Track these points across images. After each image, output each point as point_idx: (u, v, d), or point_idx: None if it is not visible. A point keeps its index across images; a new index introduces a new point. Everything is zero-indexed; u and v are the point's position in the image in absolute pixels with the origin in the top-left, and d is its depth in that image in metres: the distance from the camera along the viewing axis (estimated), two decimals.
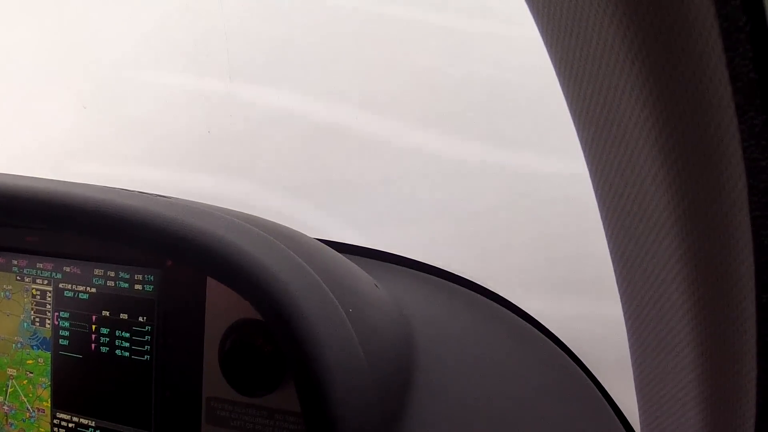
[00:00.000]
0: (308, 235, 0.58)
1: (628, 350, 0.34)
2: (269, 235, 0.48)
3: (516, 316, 0.65)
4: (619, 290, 0.33)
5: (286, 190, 0.90)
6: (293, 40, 0.89)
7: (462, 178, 0.85)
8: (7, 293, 0.61)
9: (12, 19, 0.96)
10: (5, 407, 0.61)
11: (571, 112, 0.30)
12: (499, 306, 0.66)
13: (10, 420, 0.61)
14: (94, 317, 0.57)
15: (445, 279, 0.70)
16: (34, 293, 0.59)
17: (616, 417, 0.59)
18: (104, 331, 0.56)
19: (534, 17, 0.29)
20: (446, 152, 0.85)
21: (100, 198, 0.46)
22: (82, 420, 0.58)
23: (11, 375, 0.61)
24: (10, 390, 0.61)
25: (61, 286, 0.58)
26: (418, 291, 0.68)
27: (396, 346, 0.55)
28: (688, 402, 0.29)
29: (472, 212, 0.84)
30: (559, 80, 0.30)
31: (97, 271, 0.57)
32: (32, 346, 0.59)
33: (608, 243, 0.32)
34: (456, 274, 0.70)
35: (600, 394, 0.60)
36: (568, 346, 0.64)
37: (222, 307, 0.52)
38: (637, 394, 0.34)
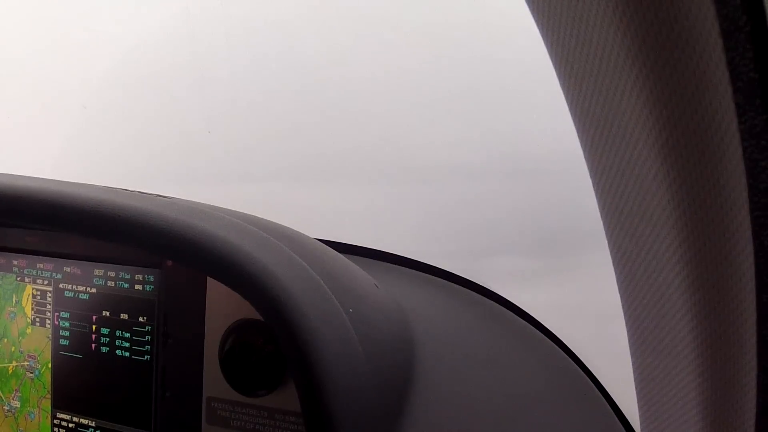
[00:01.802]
0: (308, 235, 0.58)
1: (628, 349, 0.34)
2: (269, 235, 0.48)
3: (516, 316, 0.65)
4: (620, 290, 0.33)
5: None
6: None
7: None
8: (8, 293, 0.61)
9: (11, 17, 0.96)
10: (5, 407, 0.61)
11: (571, 112, 0.30)
12: (499, 306, 0.66)
13: (10, 420, 0.61)
14: (94, 317, 0.57)
15: (445, 279, 0.70)
16: (34, 293, 0.59)
17: (616, 417, 0.59)
18: (104, 331, 0.56)
19: (534, 17, 0.29)
20: None
21: (100, 198, 0.46)
22: (82, 420, 0.58)
23: (11, 375, 0.61)
24: (10, 390, 0.61)
25: (61, 286, 0.58)
26: (418, 291, 0.68)
27: (396, 346, 0.55)
28: (688, 402, 0.29)
29: None
30: (560, 80, 0.30)
31: (97, 271, 0.57)
32: (32, 347, 0.59)
33: (608, 243, 0.32)
34: (456, 274, 0.70)
35: (600, 394, 0.60)
36: (568, 346, 0.64)
37: (222, 307, 0.52)
38: (637, 394, 0.34)
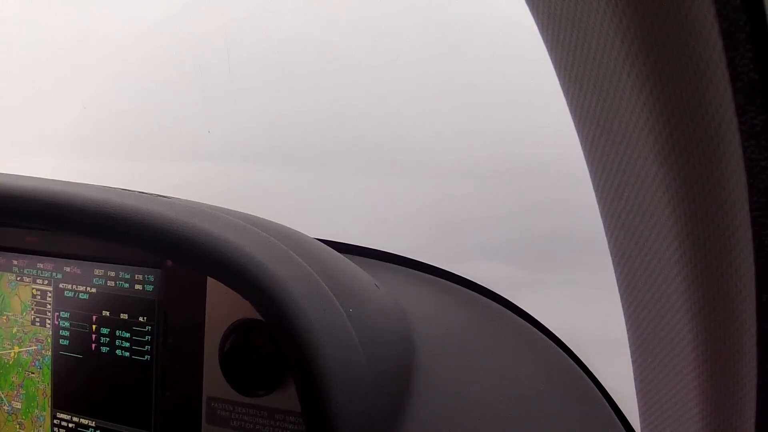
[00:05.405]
0: (309, 235, 0.58)
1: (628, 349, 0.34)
2: (269, 235, 0.48)
3: (516, 316, 0.65)
4: (620, 290, 0.33)
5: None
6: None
7: None
8: (7, 293, 0.61)
9: (12, 17, 0.96)
10: (6, 407, 0.61)
11: (571, 112, 0.30)
12: (499, 306, 0.66)
13: (10, 419, 0.61)
14: (94, 317, 0.57)
15: (445, 279, 0.70)
16: (34, 293, 0.59)
17: (616, 417, 0.59)
18: (104, 331, 0.56)
19: (534, 17, 0.29)
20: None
21: (100, 198, 0.46)
22: (82, 420, 0.58)
23: (13, 365, 0.61)
24: (11, 388, 0.61)
25: (61, 286, 0.58)
26: (418, 291, 0.68)
27: (396, 346, 0.55)
28: (688, 402, 0.29)
29: None
30: (560, 80, 0.30)
31: (97, 271, 0.57)
32: (32, 347, 0.59)
33: (608, 243, 0.32)
34: (456, 274, 0.70)
35: (600, 394, 0.60)
36: (568, 346, 0.64)
37: (222, 307, 0.52)
38: (637, 394, 0.34)
